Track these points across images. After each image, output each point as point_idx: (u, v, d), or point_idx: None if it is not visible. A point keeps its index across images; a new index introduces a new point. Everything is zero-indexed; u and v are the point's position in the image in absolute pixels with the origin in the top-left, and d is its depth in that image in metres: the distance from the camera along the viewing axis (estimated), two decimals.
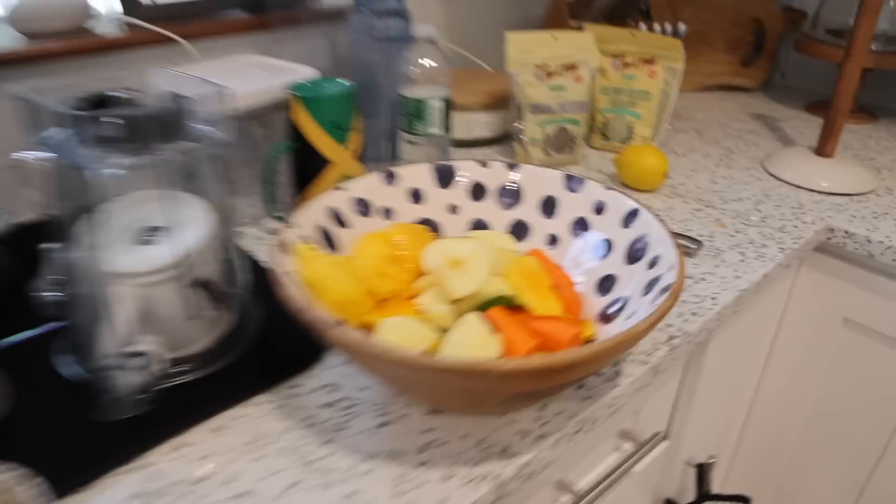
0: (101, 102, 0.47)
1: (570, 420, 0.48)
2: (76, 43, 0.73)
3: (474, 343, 0.44)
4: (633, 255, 0.52)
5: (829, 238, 0.80)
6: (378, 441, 0.46)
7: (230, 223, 0.53)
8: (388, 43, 0.79)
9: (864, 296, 0.83)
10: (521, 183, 0.60)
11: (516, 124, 0.91)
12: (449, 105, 0.76)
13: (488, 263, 0.49)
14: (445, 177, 0.60)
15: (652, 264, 0.49)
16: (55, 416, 0.46)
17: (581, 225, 0.57)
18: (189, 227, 0.49)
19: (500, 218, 0.60)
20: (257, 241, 0.70)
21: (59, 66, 0.73)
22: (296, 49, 0.92)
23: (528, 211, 0.60)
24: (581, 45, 0.88)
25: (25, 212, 0.64)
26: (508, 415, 0.48)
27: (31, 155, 0.44)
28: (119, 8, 0.78)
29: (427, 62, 0.75)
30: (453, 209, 0.60)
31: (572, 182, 0.59)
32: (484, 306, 0.48)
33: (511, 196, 0.60)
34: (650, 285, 0.47)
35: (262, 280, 0.53)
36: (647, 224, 0.53)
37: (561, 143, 0.90)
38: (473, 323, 0.45)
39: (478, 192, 0.61)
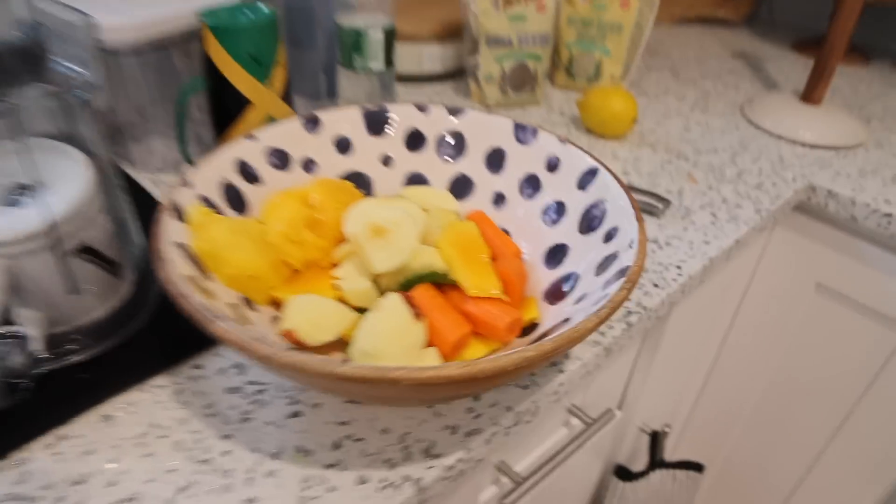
0: None
1: (507, 412, 0.42)
2: None
3: (392, 331, 0.37)
4: (589, 224, 0.45)
5: (809, 198, 0.73)
6: (286, 435, 0.40)
7: (114, 177, 0.45)
8: None
9: (842, 261, 0.77)
10: (464, 131, 0.52)
11: (470, 58, 0.81)
12: (392, 36, 0.67)
13: (417, 232, 0.42)
14: (377, 123, 0.52)
15: (609, 237, 0.43)
16: None
17: (532, 183, 0.50)
18: (62, 185, 0.41)
19: (440, 172, 0.53)
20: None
21: None
22: None
23: (471, 164, 0.52)
24: None
25: None
26: (436, 406, 0.42)
27: None
28: None
29: None
30: (386, 161, 0.53)
31: (523, 132, 0.51)
32: (409, 284, 0.41)
33: (453, 147, 0.53)
34: (605, 263, 0.41)
35: None
36: (605, 187, 0.46)
37: (520, 81, 0.82)
38: (394, 306, 0.39)
39: (415, 140, 0.53)
